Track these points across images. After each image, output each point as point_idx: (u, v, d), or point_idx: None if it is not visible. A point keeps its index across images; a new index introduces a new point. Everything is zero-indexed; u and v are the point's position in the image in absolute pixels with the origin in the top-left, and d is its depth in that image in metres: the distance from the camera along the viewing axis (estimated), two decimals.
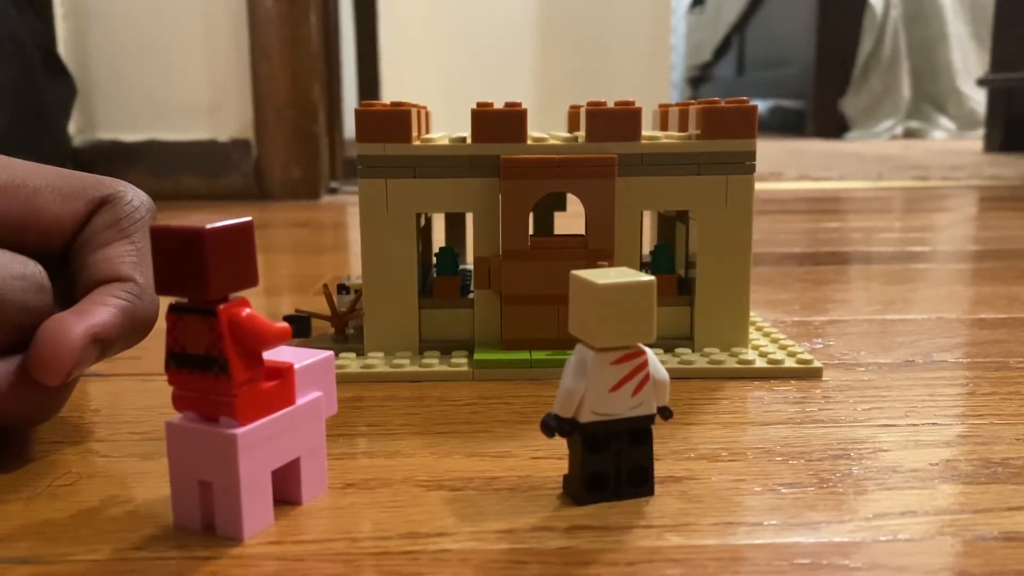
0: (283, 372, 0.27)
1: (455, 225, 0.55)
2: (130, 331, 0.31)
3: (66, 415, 0.37)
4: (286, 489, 0.28)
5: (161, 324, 0.27)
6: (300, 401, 0.27)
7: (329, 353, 0.29)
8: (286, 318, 0.27)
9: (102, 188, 0.33)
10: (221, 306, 0.24)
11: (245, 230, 0.25)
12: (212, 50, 1.30)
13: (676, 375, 0.37)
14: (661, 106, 0.52)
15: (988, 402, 0.38)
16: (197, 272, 0.24)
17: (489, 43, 2.09)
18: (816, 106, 3.29)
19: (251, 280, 0.25)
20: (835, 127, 3.27)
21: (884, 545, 0.25)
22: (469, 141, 0.43)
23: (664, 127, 0.52)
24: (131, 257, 0.32)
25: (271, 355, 0.27)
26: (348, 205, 1.25)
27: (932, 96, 3.32)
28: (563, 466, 0.29)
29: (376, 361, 0.43)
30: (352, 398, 0.39)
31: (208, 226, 0.23)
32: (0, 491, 0.29)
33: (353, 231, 1.01)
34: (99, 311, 0.29)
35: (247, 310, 0.25)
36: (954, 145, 2.64)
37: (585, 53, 2.13)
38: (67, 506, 0.28)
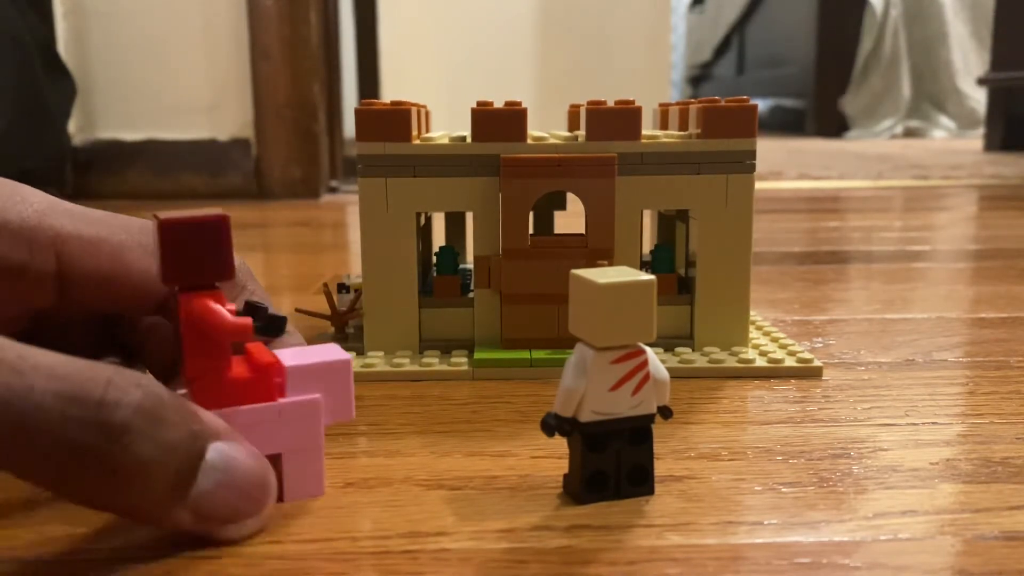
0: (264, 367, 0.27)
1: (455, 224, 0.55)
2: None
3: None
4: None
5: None
6: (290, 399, 0.27)
7: (346, 358, 0.28)
8: (247, 311, 0.25)
9: None
10: (183, 295, 0.25)
11: (211, 224, 0.25)
12: (212, 49, 1.30)
13: (676, 374, 0.37)
14: (661, 105, 0.52)
15: (988, 401, 0.38)
16: (160, 258, 0.25)
17: (489, 42, 2.09)
18: (816, 105, 3.29)
19: (222, 273, 0.26)
20: (835, 126, 3.27)
21: (884, 544, 0.25)
22: (469, 140, 0.43)
23: (664, 126, 0.52)
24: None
25: (287, 351, 0.28)
26: (348, 204, 1.25)
27: (932, 95, 3.32)
28: (563, 465, 0.29)
29: (376, 360, 0.43)
30: None
31: (162, 216, 0.25)
32: (0, 491, 0.29)
33: (353, 230, 1.01)
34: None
35: (211, 301, 0.25)
36: (954, 144, 2.64)
37: (585, 52, 2.13)
38: (66, 505, 0.28)
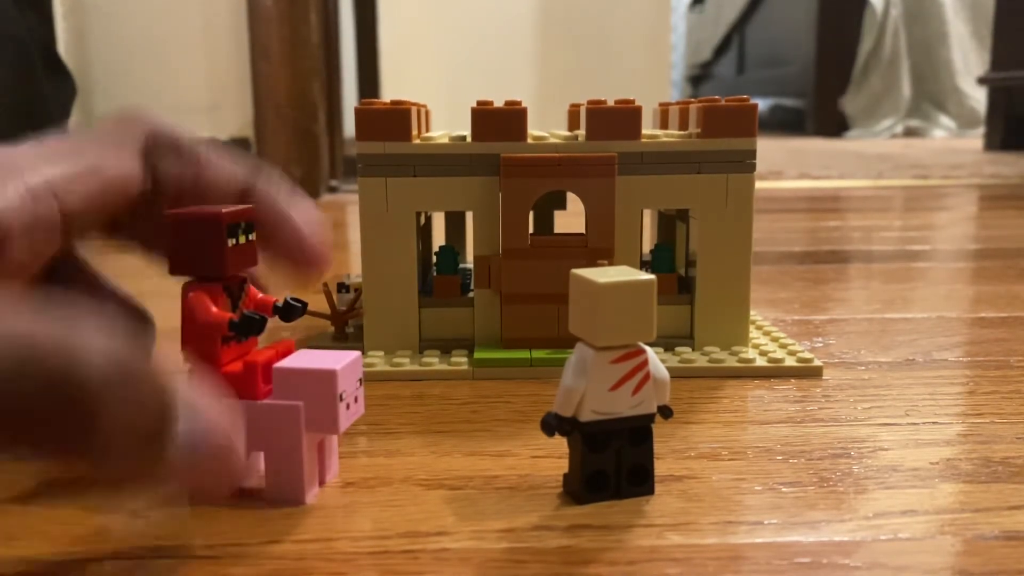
0: (252, 366, 0.27)
1: (455, 224, 0.55)
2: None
3: None
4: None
5: None
6: (269, 402, 0.27)
7: (332, 368, 0.27)
8: (244, 315, 0.26)
9: (141, 128, 0.32)
10: (185, 284, 0.27)
11: (205, 221, 0.26)
12: (212, 49, 1.30)
13: (676, 374, 0.37)
14: (661, 105, 0.52)
15: (988, 401, 0.38)
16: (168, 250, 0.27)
17: (489, 42, 2.09)
18: (816, 105, 3.29)
19: (216, 269, 0.27)
20: (835, 126, 3.27)
21: (884, 544, 0.25)
22: (469, 140, 0.43)
23: (664, 126, 0.52)
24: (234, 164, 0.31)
25: (304, 353, 0.28)
26: (348, 204, 1.25)
27: (932, 95, 3.32)
28: (563, 465, 0.29)
29: (376, 360, 0.43)
30: None
31: (172, 211, 0.26)
32: (0, 491, 0.29)
33: (353, 230, 1.01)
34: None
35: (204, 294, 0.26)
36: (954, 144, 2.64)
37: (585, 51, 2.13)
38: (66, 505, 0.28)
